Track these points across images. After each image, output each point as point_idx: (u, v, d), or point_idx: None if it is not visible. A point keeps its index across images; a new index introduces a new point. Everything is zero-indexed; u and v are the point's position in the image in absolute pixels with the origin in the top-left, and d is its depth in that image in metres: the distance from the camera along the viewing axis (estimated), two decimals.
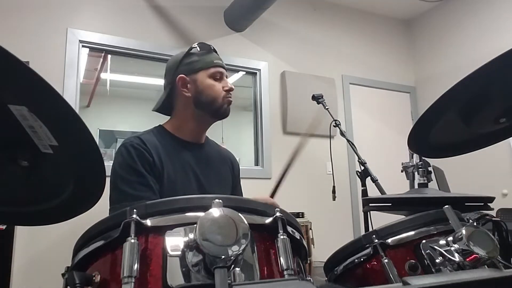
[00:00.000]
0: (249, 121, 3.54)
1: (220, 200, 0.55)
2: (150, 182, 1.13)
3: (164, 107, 1.33)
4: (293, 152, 1.39)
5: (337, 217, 3.50)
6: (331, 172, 2.10)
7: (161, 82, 1.36)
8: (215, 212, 0.52)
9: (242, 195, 1.45)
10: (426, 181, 1.11)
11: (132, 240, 0.52)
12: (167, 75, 1.31)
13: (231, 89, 1.28)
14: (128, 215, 0.55)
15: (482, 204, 0.90)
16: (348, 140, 2.00)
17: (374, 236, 0.72)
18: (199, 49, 1.27)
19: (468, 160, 3.37)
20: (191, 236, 0.53)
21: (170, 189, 1.17)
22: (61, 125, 0.55)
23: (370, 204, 1.07)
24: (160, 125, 1.33)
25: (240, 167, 1.47)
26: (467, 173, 3.47)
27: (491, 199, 0.90)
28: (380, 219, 1.09)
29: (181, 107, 1.29)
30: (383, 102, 4.14)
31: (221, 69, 1.28)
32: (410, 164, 1.22)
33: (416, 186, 1.17)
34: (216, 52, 1.31)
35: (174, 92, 1.29)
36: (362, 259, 0.74)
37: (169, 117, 1.35)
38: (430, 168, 1.15)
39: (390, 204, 1.01)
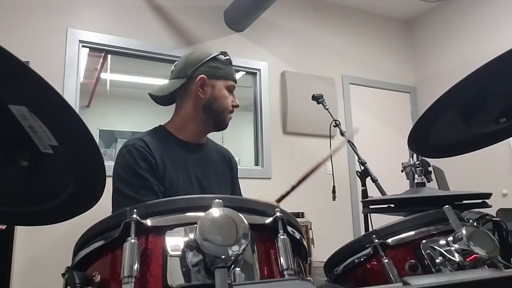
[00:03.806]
0: (249, 121, 3.54)
1: (220, 200, 0.55)
2: (153, 185, 1.12)
3: (168, 96, 1.28)
4: (312, 167, 1.37)
5: (337, 217, 3.50)
6: (331, 172, 2.09)
7: (161, 82, 1.35)
8: (215, 212, 0.52)
9: (240, 194, 1.46)
10: (423, 181, 1.11)
11: (132, 240, 0.52)
12: (185, 68, 1.27)
13: (237, 106, 1.32)
14: (128, 215, 0.55)
15: (480, 201, 0.90)
16: (348, 140, 2.00)
17: (374, 236, 0.72)
18: (223, 58, 1.30)
19: (468, 160, 3.37)
20: (191, 236, 0.53)
21: (171, 190, 1.16)
22: (61, 125, 0.55)
23: (370, 206, 1.07)
24: (160, 125, 1.32)
25: (240, 167, 1.48)
26: (467, 173, 3.47)
27: (488, 195, 0.90)
28: (380, 219, 1.09)
29: (189, 106, 1.28)
30: (383, 102, 4.13)
31: (235, 84, 1.33)
32: (410, 164, 1.22)
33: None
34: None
35: (188, 88, 1.26)
36: (362, 259, 0.74)
37: (167, 112, 1.34)
38: (430, 168, 1.14)
39: (392, 205, 1.01)
